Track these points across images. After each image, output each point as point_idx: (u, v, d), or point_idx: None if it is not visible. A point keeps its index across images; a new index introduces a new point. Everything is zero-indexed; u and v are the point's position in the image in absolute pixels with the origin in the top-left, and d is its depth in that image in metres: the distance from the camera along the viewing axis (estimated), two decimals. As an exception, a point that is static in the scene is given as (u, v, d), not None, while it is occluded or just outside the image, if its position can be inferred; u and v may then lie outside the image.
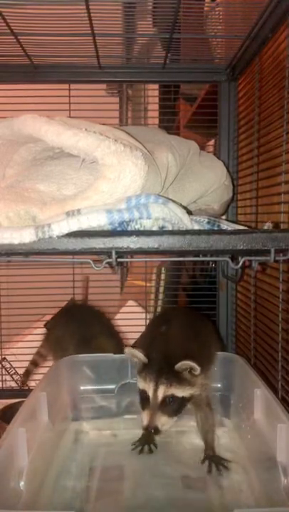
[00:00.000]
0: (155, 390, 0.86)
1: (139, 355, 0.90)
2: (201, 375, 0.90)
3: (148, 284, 1.51)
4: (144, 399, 0.88)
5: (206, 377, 0.95)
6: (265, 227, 0.77)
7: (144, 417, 0.86)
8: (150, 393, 0.86)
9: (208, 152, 1.28)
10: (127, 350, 0.93)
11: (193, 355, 0.89)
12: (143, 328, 1.36)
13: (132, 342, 1.39)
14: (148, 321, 1.30)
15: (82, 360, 1.07)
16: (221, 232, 0.73)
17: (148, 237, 0.70)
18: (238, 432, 0.99)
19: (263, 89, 1.05)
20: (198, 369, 0.86)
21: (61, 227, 0.68)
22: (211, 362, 1.01)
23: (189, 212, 0.80)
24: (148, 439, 0.96)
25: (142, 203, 0.72)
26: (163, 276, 1.59)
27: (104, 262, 0.76)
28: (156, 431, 0.85)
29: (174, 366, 0.86)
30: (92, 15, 0.88)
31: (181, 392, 0.87)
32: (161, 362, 0.88)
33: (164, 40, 1.05)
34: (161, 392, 0.86)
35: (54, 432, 0.93)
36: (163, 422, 0.85)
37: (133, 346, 0.95)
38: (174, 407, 0.87)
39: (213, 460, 0.91)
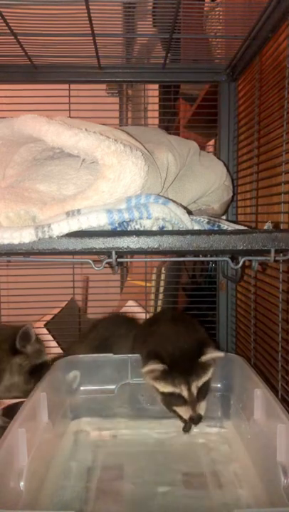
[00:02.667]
0: (189, 389, 0.88)
1: (159, 367, 0.90)
2: None
3: (148, 284, 1.51)
4: (175, 399, 0.90)
5: None
6: (265, 228, 0.77)
7: (185, 412, 0.90)
8: (185, 393, 0.89)
9: (208, 152, 1.27)
10: (143, 370, 0.92)
11: (207, 340, 0.93)
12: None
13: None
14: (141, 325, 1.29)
15: (82, 360, 1.07)
16: (221, 232, 0.73)
17: (148, 237, 0.70)
18: (238, 432, 0.99)
19: (263, 89, 1.05)
20: (222, 354, 0.91)
21: (61, 227, 0.69)
22: None
23: (189, 213, 0.80)
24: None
25: (142, 203, 0.72)
26: (163, 277, 1.59)
27: (104, 262, 0.76)
28: (200, 418, 0.90)
29: (195, 360, 0.89)
30: (92, 15, 0.88)
31: (207, 376, 0.91)
32: (183, 361, 0.90)
33: (164, 40, 1.05)
34: (195, 388, 0.89)
35: (54, 432, 0.93)
36: (202, 407, 0.91)
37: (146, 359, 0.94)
38: (206, 390, 0.91)
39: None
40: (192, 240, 0.70)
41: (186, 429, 0.96)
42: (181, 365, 0.89)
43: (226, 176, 1.05)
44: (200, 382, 0.89)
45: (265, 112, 1.04)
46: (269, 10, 0.87)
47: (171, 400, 0.91)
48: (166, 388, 0.90)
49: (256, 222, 1.11)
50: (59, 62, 1.17)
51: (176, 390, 0.89)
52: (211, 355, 0.89)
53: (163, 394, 0.92)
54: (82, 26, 0.93)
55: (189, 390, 0.88)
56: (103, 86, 1.40)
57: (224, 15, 1.02)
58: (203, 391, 0.91)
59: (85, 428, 1.04)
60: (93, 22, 0.92)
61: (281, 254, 0.75)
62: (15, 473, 0.73)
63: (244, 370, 0.98)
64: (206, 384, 0.92)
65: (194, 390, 0.89)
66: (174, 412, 0.93)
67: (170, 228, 0.74)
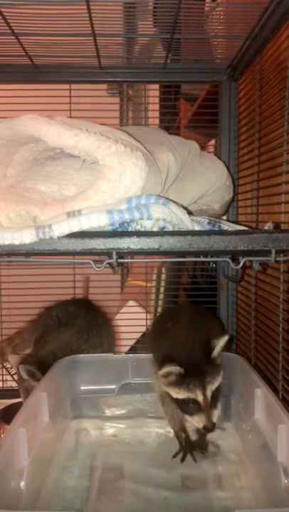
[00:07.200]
0: (204, 393, 0.85)
1: (177, 370, 0.86)
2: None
3: (148, 285, 1.51)
4: (189, 405, 0.86)
5: None
6: (266, 228, 0.77)
7: (200, 420, 0.86)
8: (200, 398, 0.85)
9: (209, 152, 1.27)
10: (160, 372, 0.87)
11: (217, 333, 0.90)
12: (143, 329, 1.36)
13: (132, 342, 1.39)
14: (152, 323, 1.28)
15: (82, 360, 1.07)
16: (222, 232, 0.73)
17: (148, 237, 0.70)
18: (239, 432, 0.99)
19: (264, 89, 1.05)
20: (226, 337, 0.88)
21: (62, 227, 0.69)
22: None
23: (190, 213, 0.80)
24: (189, 448, 0.96)
25: (143, 204, 0.72)
26: (163, 277, 1.59)
27: (105, 263, 0.76)
28: (214, 427, 0.86)
29: (207, 360, 0.86)
30: (92, 15, 0.88)
31: (220, 379, 0.89)
32: (197, 363, 0.86)
33: (164, 40, 1.05)
34: (209, 392, 0.86)
35: (54, 431, 0.93)
36: (215, 415, 0.87)
37: (162, 362, 0.89)
38: (217, 396, 0.88)
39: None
40: (193, 241, 0.70)
41: (184, 449, 0.94)
42: (196, 367, 0.86)
43: (226, 176, 1.05)
44: (214, 386, 0.86)
45: (265, 111, 1.04)
46: (270, 10, 0.87)
47: (185, 407, 0.87)
48: (181, 394, 0.87)
49: (257, 222, 1.11)
50: (60, 62, 1.17)
51: (191, 395, 0.85)
52: (219, 345, 0.87)
53: (177, 401, 0.88)
54: (83, 26, 0.93)
55: (204, 394, 0.85)
56: (104, 86, 1.41)
57: (225, 15, 1.02)
58: (216, 397, 0.87)
59: (86, 428, 1.04)
60: (94, 22, 0.92)
61: (282, 255, 0.75)
62: (15, 473, 0.73)
63: (245, 370, 0.97)
64: (218, 389, 0.89)
65: (209, 394, 0.85)
66: (187, 421, 0.90)
67: (171, 229, 0.74)
